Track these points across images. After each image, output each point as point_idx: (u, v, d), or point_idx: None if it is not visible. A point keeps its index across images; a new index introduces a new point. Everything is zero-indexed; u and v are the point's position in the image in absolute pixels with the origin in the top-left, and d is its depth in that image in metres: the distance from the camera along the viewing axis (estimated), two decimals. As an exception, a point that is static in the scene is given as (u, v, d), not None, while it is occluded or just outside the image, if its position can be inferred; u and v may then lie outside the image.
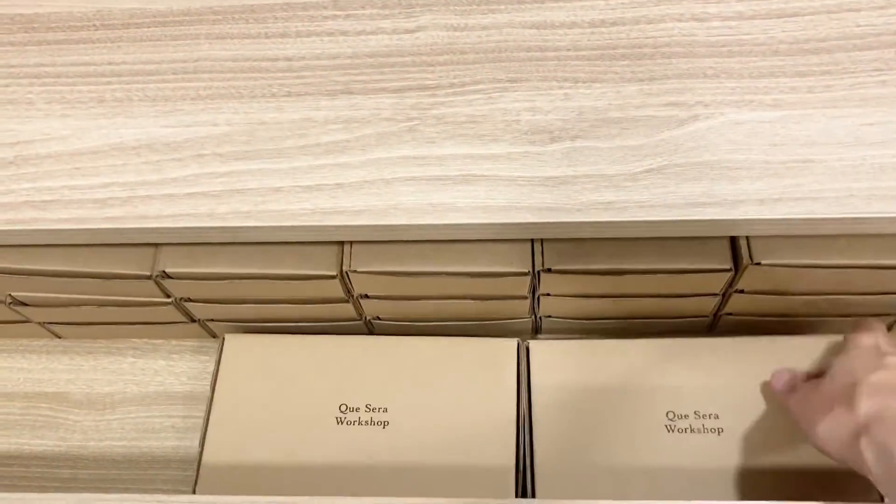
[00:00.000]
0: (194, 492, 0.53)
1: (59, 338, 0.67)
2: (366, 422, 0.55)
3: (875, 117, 0.47)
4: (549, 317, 0.61)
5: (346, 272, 0.53)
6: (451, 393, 0.56)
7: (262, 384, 0.57)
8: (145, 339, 0.67)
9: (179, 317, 0.62)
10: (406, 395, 0.56)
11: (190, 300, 0.59)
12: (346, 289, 0.55)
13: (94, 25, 0.55)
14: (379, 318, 0.61)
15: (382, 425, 0.55)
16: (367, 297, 0.57)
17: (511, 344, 0.58)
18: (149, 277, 0.55)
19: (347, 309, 0.59)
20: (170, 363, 0.66)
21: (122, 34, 0.55)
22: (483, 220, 0.46)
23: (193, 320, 0.63)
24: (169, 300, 0.59)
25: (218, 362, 0.58)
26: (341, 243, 0.53)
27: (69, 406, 0.65)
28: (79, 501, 0.45)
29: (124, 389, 0.65)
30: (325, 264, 0.53)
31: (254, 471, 0.54)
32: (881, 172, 0.45)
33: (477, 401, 0.55)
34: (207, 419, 0.56)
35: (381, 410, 0.55)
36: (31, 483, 0.61)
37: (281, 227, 0.47)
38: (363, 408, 0.55)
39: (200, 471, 0.54)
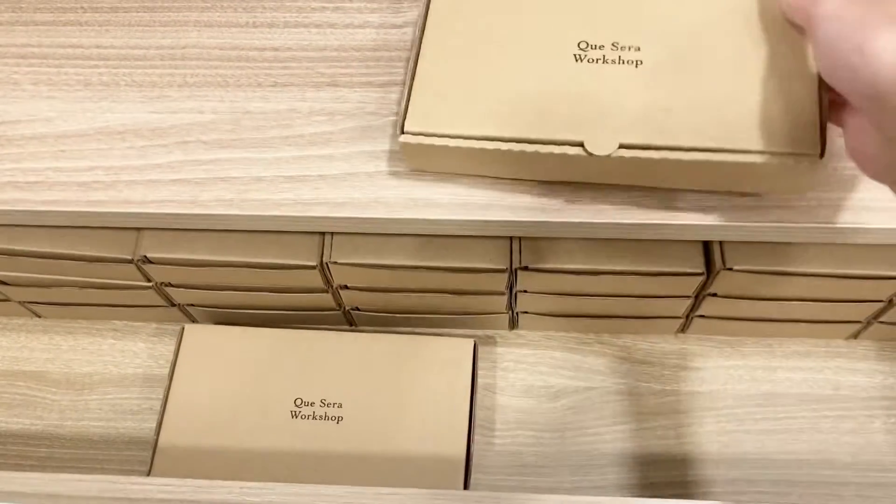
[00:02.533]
0: (149, 475, 0.55)
1: (39, 317, 0.68)
2: (320, 416, 0.56)
3: (848, 129, 0.48)
4: (526, 312, 0.62)
5: (327, 263, 0.54)
6: (405, 389, 0.57)
7: (219, 375, 0.58)
8: (126, 322, 0.67)
9: (160, 301, 0.62)
10: (361, 391, 0.57)
11: (170, 285, 0.59)
12: (326, 279, 0.56)
13: (83, 8, 0.55)
14: (358, 309, 0.62)
15: (336, 420, 0.56)
16: (346, 287, 0.58)
17: (467, 343, 0.59)
18: (130, 262, 0.55)
19: (326, 299, 0.60)
20: (150, 346, 0.66)
21: (110, 18, 0.55)
22: (463, 217, 0.47)
23: (174, 304, 0.63)
24: (149, 284, 0.59)
25: (176, 352, 0.59)
26: (322, 234, 0.54)
27: (47, 385, 0.65)
28: (55, 481, 0.46)
29: (103, 370, 0.65)
30: (305, 254, 0.54)
31: (208, 457, 0.56)
32: (850, 183, 0.46)
33: (431, 398, 0.57)
34: (164, 406, 0.57)
35: (335, 406, 0.57)
36: (6, 461, 0.62)
37: (263, 216, 0.47)
38: (318, 402, 0.56)
39: (155, 455, 0.56)
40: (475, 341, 0.59)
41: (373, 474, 0.55)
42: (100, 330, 0.67)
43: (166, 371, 0.65)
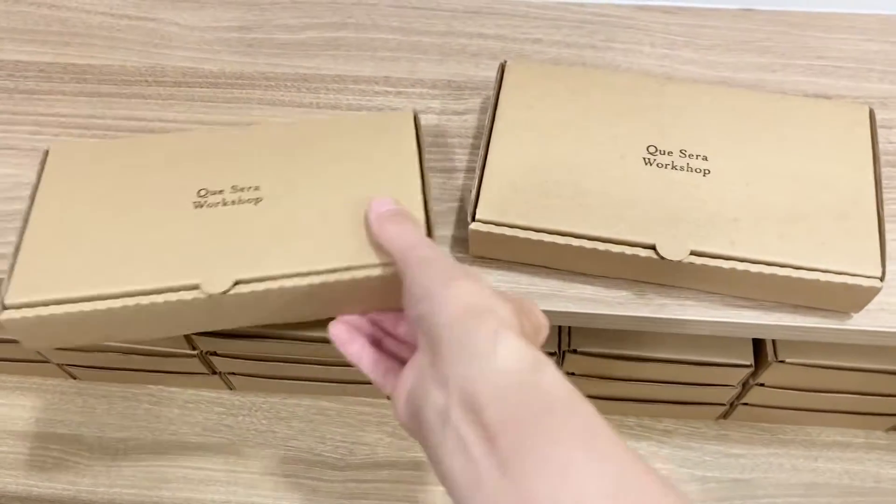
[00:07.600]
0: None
1: (74, 378, 0.67)
2: (232, 202, 0.45)
3: (905, 233, 0.48)
4: (569, 394, 0.62)
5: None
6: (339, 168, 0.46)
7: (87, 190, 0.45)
8: (161, 387, 0.67)
9: (202, 368, 0.62)
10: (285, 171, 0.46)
11: (215, 354, 0.59)
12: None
13: (147, 81, 0.56)
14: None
15: (254, 202, 0.45)
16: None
17: (407, 114, 0.48)
18: (179, 331, 0.55)
19: (371, 373, 0.59)
20: (185, 412, 0.66)
21: (173, 92, 0.55)
22: (524, 306, 0.47)
23: (215, 372, 0.63)
24: (194, 353, 0.59)
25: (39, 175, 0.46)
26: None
27: (80, 449, 0.64)
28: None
29: (138, 436, 0.65)
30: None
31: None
32: (909, 288, 0.47)
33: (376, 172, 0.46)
34: (24, 227, 0.44)
35: (252, 189, 0.45)
36: (38, 528, 0.61)
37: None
38: (228, 189, 0.45)
39: (15, 268, 0.42)
40: (415, 112, 0.48)
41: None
42: (135, 394, 0.67)
43: (201, 439, 0.64)
